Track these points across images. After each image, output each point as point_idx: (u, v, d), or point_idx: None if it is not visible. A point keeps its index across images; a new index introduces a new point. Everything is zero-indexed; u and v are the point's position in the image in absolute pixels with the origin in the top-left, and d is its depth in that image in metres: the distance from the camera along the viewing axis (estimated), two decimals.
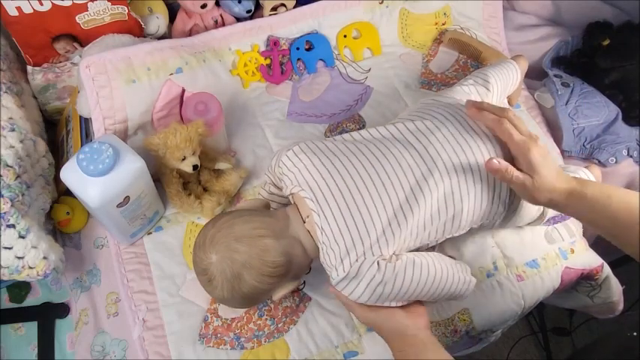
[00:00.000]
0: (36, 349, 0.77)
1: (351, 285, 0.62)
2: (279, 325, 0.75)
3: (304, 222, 0.66)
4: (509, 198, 0.69)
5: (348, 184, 0.63)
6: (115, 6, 0.82)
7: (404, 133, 0.68)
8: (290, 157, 0.68)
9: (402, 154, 0.66)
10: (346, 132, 0.92)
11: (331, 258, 0.62)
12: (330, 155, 0.66)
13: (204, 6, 0.91)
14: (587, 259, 0.86)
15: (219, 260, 0.61)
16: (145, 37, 0.90)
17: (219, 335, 0.74)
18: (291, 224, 0.66)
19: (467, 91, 0.79)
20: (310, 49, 0.99)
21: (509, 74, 0.84)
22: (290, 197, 0.69)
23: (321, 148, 0.68)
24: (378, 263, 0.61)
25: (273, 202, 0.77)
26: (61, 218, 0.79)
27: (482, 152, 0.67)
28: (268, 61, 0.96)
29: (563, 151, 0.95)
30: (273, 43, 0.96)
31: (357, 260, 0.61)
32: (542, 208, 0.77)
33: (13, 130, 0.69)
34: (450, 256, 0.77)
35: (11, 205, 0.64)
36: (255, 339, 0.74)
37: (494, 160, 0.62)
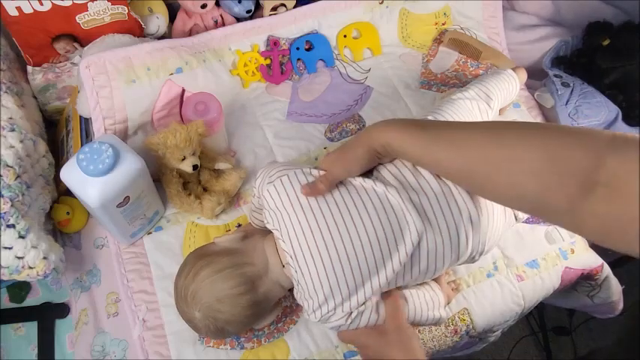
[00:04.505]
0: (36, 349, 0.77)
1: (323, 324, 0.65)
2: (279, 325, 0.75)
3: (283, 266, 0.65)
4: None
5: (326, 240, 0.61)
6: (115, 6, 0.82)
7: (388, 188, 0.62)
8: (272, 195, 0.64)
9: (381, 213, 0.62)
10: (346, 132, 0.93)
11: (305, 306, 0.64)
12: (311, 202, 0.62)
13: (204, 6, 0.91)
14: (587, 259, 0.86)
15: (203, 318, 0.63)
16: (145, 37, 0.90)
17: None
18: (270, 269, 0.65)
19: (469, 108, 0.76)
20: (310, 49, 0.99)
21: (509, 90, 0.82)
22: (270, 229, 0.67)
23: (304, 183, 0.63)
24: (346, 317, 0.63)
25: (260, 215, 0.72)
26: (61, 218, 0.79)
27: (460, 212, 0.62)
28: (268, 61, 0.96)
29: None
30: (273, 43, 0.96)
31: (327, 312, 0.62)
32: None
33: (13, 130, 0.69)
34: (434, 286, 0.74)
35: (11, 205, 0.64)
36: (255, 339, 0.74)
37: None
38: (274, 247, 0.66)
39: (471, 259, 0.67)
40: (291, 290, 0.68)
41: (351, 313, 0.63)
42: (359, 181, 0.64)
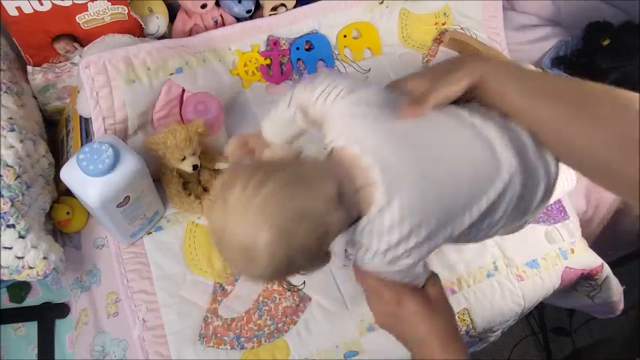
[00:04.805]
0: (36, 349, 0.77)
1: (381, 269, 0.55)
2: (279, 325, 0.75)
3: (357, 190, 0.52)
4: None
5: (424, 162, 0.52)
6: (115, 6, 0.82)
7: (485, 121, 0.56)
8: (346, 108, 0.55)
9: (478, 145, 0.54)
10: None
11: (374, 244, 0.53)
12: (393, 120, 0.53)
13: (204, 6, 0.91)
14: (587, 259, 0.86)
15: (272, 241, 0.47)
16: (145, 37, 0.90)
17: (219, 335, 0.74)
18: (344, 192, 0.51)
19: None
20: (310, 49, 0.98)
21: None
22: (331, 149, 0.56)
23: (385, 102, 0.55)
24: (416, 263, 0.55)
25: (290, 128, 0.64)
26: (61, 218, 0.79)
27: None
28: (268, 61, 0.96)
29: None
30: (273, 43, 0.96)
31: (404, 253, 0.52)
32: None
33: (13, 130, 0.69)
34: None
35: (11, 205, 0.64)
36: (255, 339, 0.74)
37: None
38: (344, 168, 0.53)
39: (522, 225, 0.61)
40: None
41: (427, 254, 0.54)
42: (453, 107, 0.56)
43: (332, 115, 0.56)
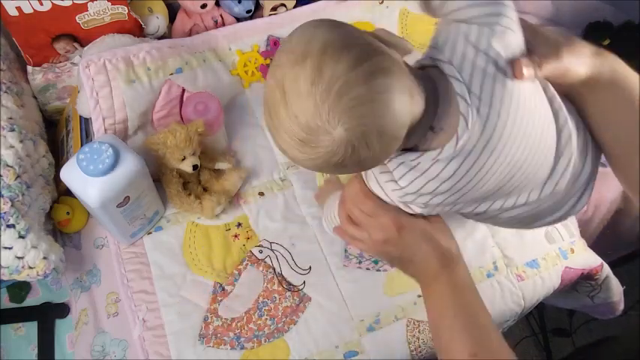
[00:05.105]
0: (36, 349, 0.77)
1: (392, 201, 0.52)
2: (279, 325, 0.75)
3: (432, 129, 0.48)
4: None
5: (516, 127, 0.47)
6: (115, 6, 0.82)
7: (569, 119, 0.53)
8: (476, 37, 0.48)
9: (556, 140, 0.52)
10: None
11: (403, 182, 0.50)
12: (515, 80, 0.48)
13: (204, 6, 0.91)
14: (587, 259, 0.86)
15: (345, 140, 0.42)
16: (145, 37, 0.90)
17: (219, 335, 0.74)
18: (421, 122, 0.46)
19: None
20: None
21: None
22: (429, 65, 0.51)
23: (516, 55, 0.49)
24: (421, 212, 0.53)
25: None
26: (61, 218, 0.79)
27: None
28: (268, 61, 0.96)
29: None
30: (273, 43, 0.96)
31: (419, 203, 0.51)
32: None
33: (13, 130, 0.70)
34: None
35: (11, 205, 0.64)
36: (255, 339, 0.74)
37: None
38: (433, 96, 0.48)
39: (519, 227, 0.62)
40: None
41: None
42: (556, 94, 0.52)
43: (457, 31, 0.49)
